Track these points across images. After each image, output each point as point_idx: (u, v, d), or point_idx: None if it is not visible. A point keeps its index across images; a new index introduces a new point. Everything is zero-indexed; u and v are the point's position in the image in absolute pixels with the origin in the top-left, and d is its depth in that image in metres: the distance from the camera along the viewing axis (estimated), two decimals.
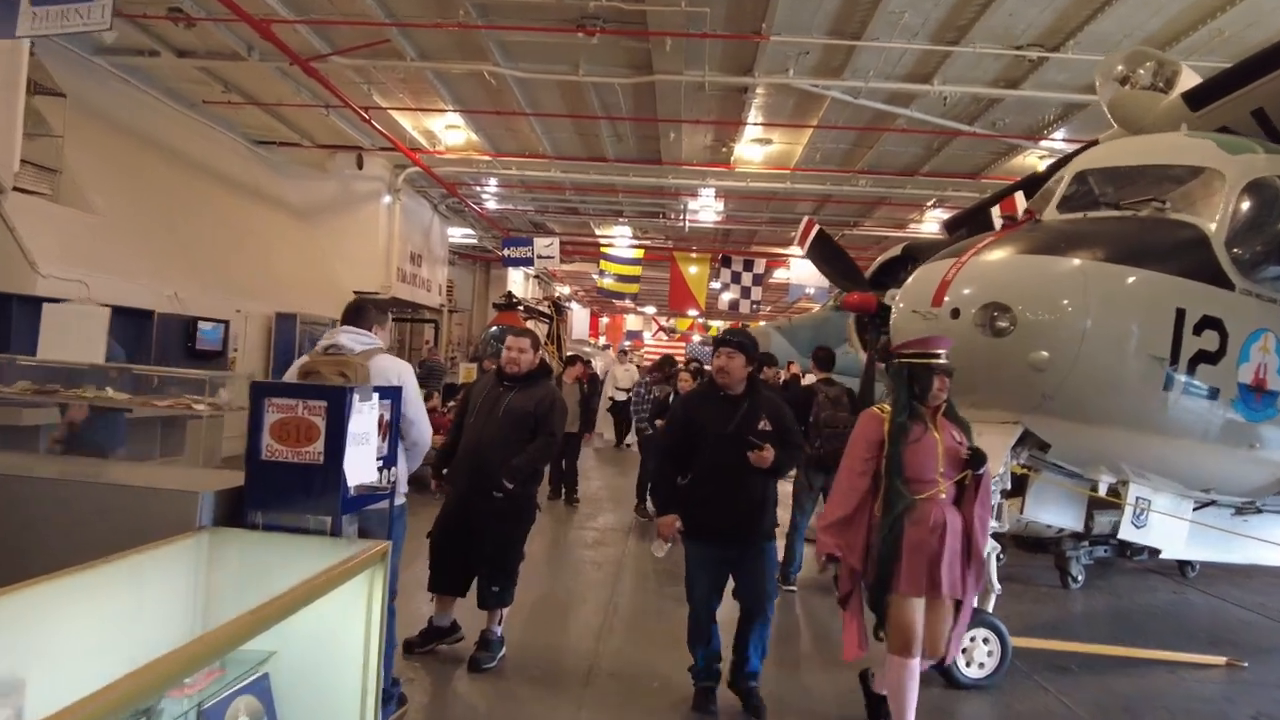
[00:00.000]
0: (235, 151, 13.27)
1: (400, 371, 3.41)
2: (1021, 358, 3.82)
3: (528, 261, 16.24)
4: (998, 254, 4.07)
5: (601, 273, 21.00)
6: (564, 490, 9.30)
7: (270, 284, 12.15)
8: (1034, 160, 13.06)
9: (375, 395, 2.53)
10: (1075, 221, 4.56)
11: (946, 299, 3.87)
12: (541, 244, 16.02)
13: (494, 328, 19.48)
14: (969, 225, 6.60)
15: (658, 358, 11.93)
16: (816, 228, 8.08)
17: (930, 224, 17.84)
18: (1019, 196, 6.25)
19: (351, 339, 3.34)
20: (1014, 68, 9.88)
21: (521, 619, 5.04)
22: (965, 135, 11.74)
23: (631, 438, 13.16)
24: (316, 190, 15.03)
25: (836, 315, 12.75)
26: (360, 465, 2.40)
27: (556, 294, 26.10)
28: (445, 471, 4.41)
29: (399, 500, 3.33)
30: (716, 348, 4.11)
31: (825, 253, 7.93)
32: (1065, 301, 3.90)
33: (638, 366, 15.78)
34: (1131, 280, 4.01)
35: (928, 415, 3.53)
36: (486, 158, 14.31)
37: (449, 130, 13.48)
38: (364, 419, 2.43)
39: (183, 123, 11.85)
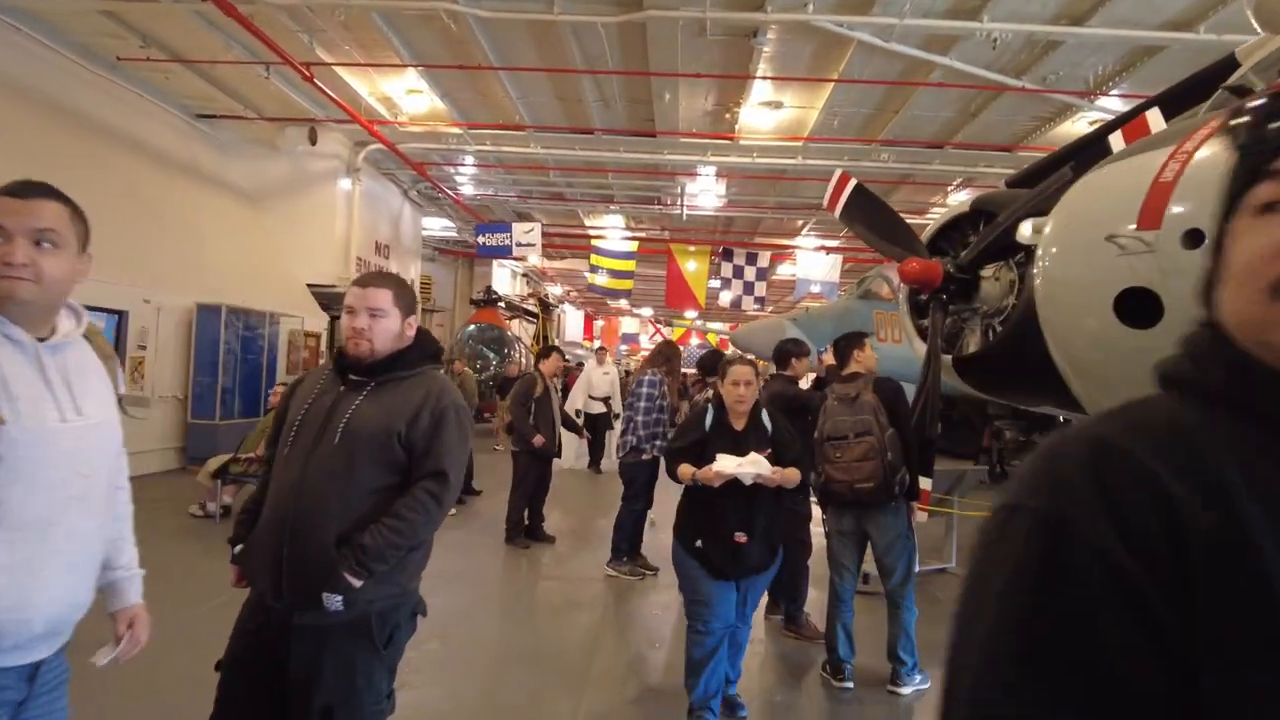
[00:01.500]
0: (169, 124, 11.50)
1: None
2: None
3: (505, 250, 14.46)
4: None
5: (593, 268, 19.21)
6: (528, 527, 7.01)
7: (197, 272, 10.37)
8: (1080, 128, 11.32)
9: None
10: None
11: (1174, 211, 2.09)
12: (521, 230, 14.24)
13: (471, 326, 17.70)
14: (1077, 161, 4.81)
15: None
16: (853, 181, 6.30)
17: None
18: (1153, 114, 4.47)
19: None
20: (1078, 1, 8.18)
21: None
22: (1012, 91, 9.98)
23: (610, 461, 10.83)
24: (265, 170, 13.27)
25: (861, 305, 10.97)
26: None
27: (545, 293, 24.24)
28: (239, 550, 2.30)
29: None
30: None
31: (867, 212, 6.16)
32: None
33: (627, 371, 13.33)
34: None
35: None
36: (456, 130, 12.54)
37: (410, 96, 11.71)
38: None
39: (100, 88, 10.07)
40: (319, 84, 10.36)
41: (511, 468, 6.95)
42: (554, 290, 30.41)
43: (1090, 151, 4.97)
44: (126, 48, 9.92)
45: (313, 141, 12.90)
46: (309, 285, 13.28)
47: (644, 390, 6.21)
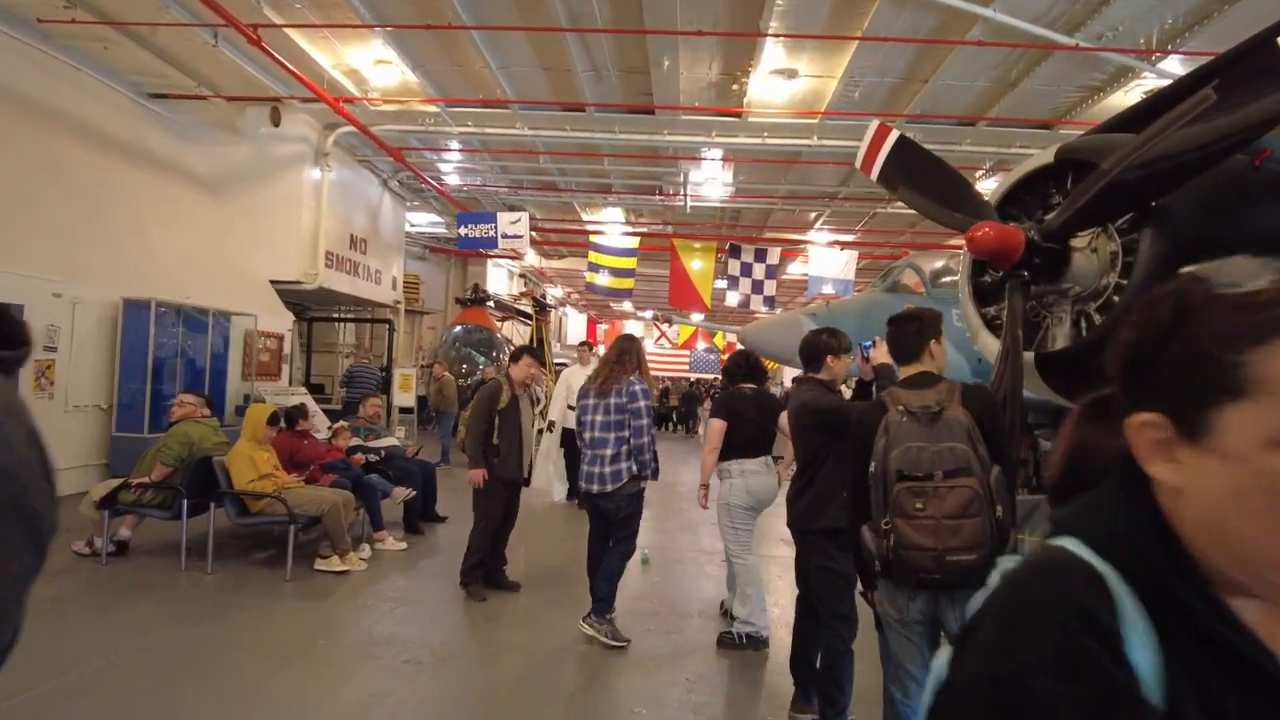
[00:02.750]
0: (114, 103, 10.27)
1: None
2: None
3: (489, 242, 13.17)
4: None
5: (592, 267, 17.88)
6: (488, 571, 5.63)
7: (134, 263, 9.11)
8: (1133, 98, 9.99)
9: None
10: None
11: None
12: (507, 220, 12.95)
13: (456, 327, 16.40)
14: (1223, 81, 3.51)
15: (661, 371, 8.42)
16: (896, 133, 5.03)
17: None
18: None
19: None
20: None
21: None
22: (1061, 50, 8.66)
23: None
24: (225, 156, 12.05)
25: (889, 299, 9.63)
26: None
27: (542, 293, 22.89)
28: None
29: None
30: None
31: (914, 171, 4.87)
32: None
33: None
34: None
35: None
36: (433, 108, 11.28)
37: (378, 67, 10.45)
38: None
39: (23, 55, 8.83)
40: (274, 54, 9.14)
41: (472, 496, 5.61)
42: (555, 292, 29.12)
43: (1251, 63, 3.68)
44: (48, 8, 8.70)
45: (275, 123, 11.64)
46: (273, 282, 12.04)
47: (643, 404, 4.87)
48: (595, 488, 4.82)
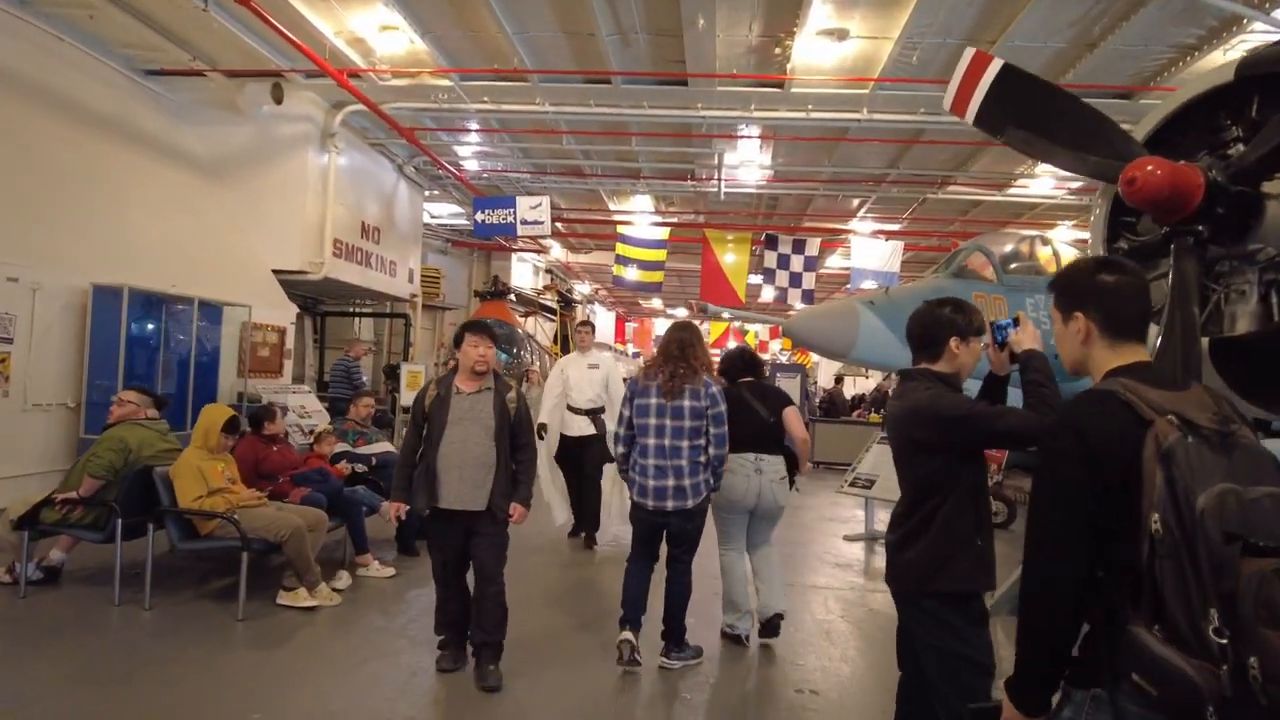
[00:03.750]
0: (103, 79, 9.49)
1: None
2: None
3: (508, 229, 12.18)
4: None
5: (620, 259, 16.83)
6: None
7: (114, 249, 8.27)
8: (1233, 56, 8.74)
9: None
10: None
11: None
12: (527, 204, 11.95)
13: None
14: None
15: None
16: (998, 62, 3.95)
17: (1041, 180, 13.57)
18: None
19: None
20: None
21: None
22: None
23: (619, 525, 6.87)
24: (226, 136, 11.23)
25: (956, 285, 8.45)
26: None
27: (568, 288, 21.84)
28: None
29: None
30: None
31: (1028, 107, 3.78)
32: None
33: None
34: None
35: None
36: (446, 82, 10.32)
37: (385, 34, 9.53)
38: None
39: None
40: (269, 17, 8.28)
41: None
42: (582, 289, 28.17)
43: None
44: None
45: (277, 100, 10.76)
46: (275, 272, 11.18)
47: (723, 409, 4.38)
48: (671, 504, 4.23)
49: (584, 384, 6.96)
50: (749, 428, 4.78)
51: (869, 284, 16.26)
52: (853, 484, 7.82)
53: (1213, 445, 1.51)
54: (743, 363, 5.32)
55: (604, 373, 7.07)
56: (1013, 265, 8.47)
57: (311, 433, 7.18)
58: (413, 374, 11.84)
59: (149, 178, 9.86)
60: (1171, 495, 1.47)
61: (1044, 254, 9.10)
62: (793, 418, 5.04)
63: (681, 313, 38.21)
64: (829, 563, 7.07)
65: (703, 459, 4.29)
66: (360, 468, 6.26)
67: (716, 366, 5.32)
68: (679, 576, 4.38)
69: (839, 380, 21.87)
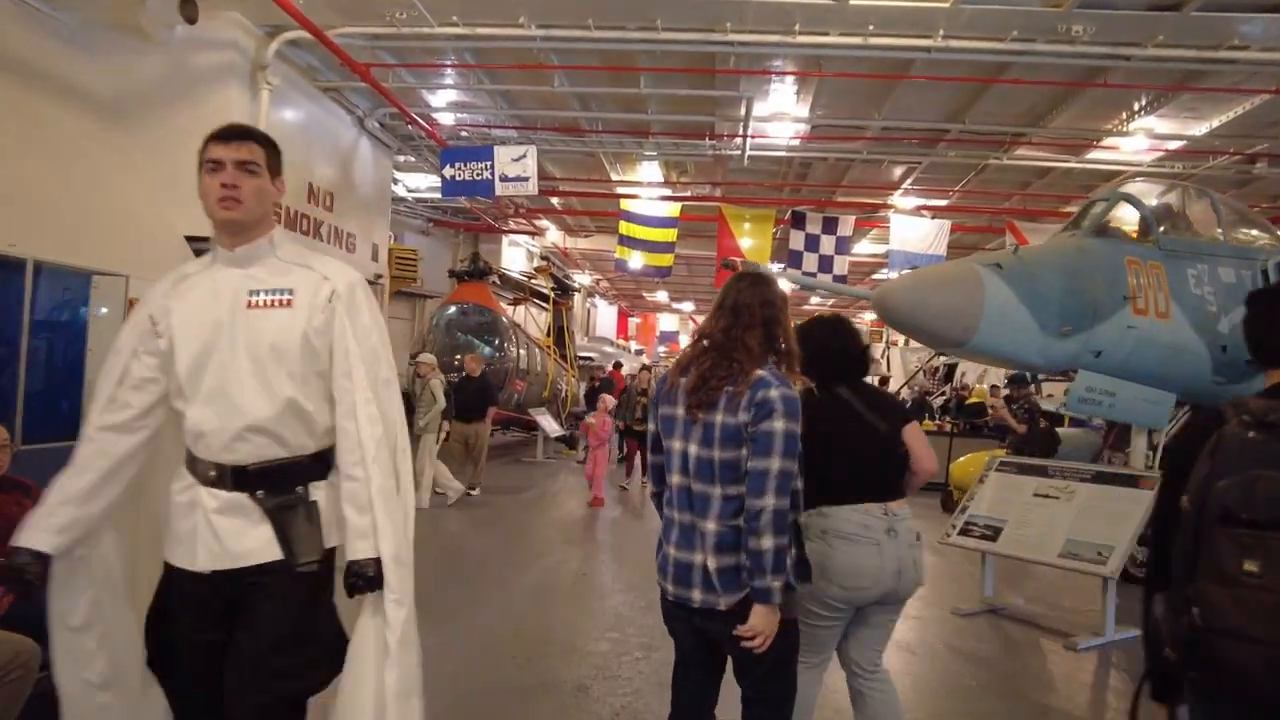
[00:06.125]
0: None
1: None
2: None
3: (484, 187, 9.79)
4: None
5: (623, 240, 14.46)
6: None
7: None
8: None
9: None
10: None
11: None
12: (508, 156, 9.55)
13: (450, 307, 13.06)
14: None
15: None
16: None
17: (1134, 138, 11.24)
18: None
19: None
20: None
21: None
22: None
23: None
24: (129, 69, 8.89)
25: (1101, 246, 6.05)
26: None
27: (564, 272, 19.41)
28: None
29: None
30: None
31: None
32: None
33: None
34: None
35: None
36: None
37: None
38: None
39: None
40: None
41: None
42: (582, 279, 25.81)
43: None
44: None
45: (190, 19, 8.44)
46: (190, 239, 8.86)
47: (781, 426, 2.33)
48: (698, 597, 2.38)
49: None
50: (867, 460, 2.91)
51: (911, 264, 13.93)
52: (964, 532, 5.36)
53: (1275, 436, 1.60)
54: (838, 350, 3.08)
55: None
56: (1164, 225, 6.17)
57: None
58: None
59: (26, 118, 7.59)
60: (1205, 479, 1.65)
61: (1199, 208, 6.80)
62: (917, 440, 3.01)
63: (688, 306, 35.77)
64: (942, 646, 4.74)
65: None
66: None
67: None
68: None
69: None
